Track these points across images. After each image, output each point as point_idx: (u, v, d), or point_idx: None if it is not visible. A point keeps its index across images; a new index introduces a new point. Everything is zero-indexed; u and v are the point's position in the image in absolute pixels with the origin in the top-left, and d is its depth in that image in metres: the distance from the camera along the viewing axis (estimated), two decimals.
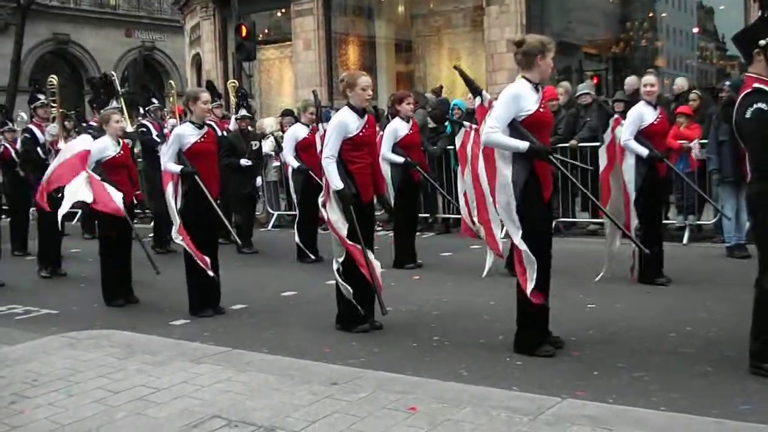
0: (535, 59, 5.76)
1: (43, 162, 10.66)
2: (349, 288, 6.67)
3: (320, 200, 6.82)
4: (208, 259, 7.69)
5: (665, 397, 4.83)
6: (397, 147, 9.65)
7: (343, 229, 6.60)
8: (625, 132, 8.25)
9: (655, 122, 8.36)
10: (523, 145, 5.63)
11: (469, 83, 6.36)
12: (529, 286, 5.69)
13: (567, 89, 12.83)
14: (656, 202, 8.58)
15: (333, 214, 6.64)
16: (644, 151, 8.15)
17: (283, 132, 12.54)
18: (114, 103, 10.60)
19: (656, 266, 8.36)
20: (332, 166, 6.61)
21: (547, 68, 5.83)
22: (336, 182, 6.58)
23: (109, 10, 38.01)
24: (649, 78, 8.61)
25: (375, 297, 6.73)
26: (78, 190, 8.21)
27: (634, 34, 19.06)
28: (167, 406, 4.71)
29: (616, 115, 8.64)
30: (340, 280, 6.72)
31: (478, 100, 6.10)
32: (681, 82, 12.95)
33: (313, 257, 10.50)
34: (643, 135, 8.25)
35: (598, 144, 11.40)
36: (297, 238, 10.58)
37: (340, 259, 6.71)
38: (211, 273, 7.71)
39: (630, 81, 12.30)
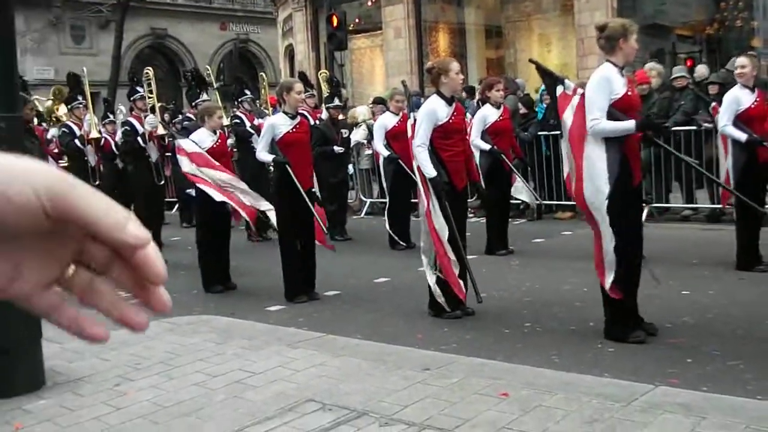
0: (617, 43, 5.71)
1: (144, 151, 10.99)
2: (434, 276, 6.73)
3: (422, 209, 6.81)
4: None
5: (761, 386, 4.76)
6: (486, 134, 9.65)
7: (444, 233, 6.63)
8: (722, 118, 8.05)
9: (753, 105, 8.06)
10: (630, 124, 5.58)
11: (548, 74, 6.28)
12: (608, 281, 5.65)
13: (660, 71, 12.60)
14: (757, 189, 8.36)
15: (436, 220, 6.67)
16: (743, 136, 7.93)
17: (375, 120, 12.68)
18: (204, 96, 10.83)
19: (755, 253, 8.18)
20: (424, 154, 6.66)
21: (631, 51, 5.77)
22: (429, 170, 6.63)
23: (204, 4, 38.75)
24: (741, 60, 8.30)
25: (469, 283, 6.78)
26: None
27: (729, 14, 18.54)
28: (263, 389, 4.85)
29: (713, 103, 8.41)
30: (437, 291, 6.76)
31: (560, 88, 6.03)
32: (702, 70, 12.63)
33: (404, 245, 10.58)
34: (740, 120, 8.00)
35: (693, 128, 11.31)
36: (388, 226, 10.69)
37: (438, 273, 6.75)
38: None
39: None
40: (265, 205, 8.48)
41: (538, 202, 11.46)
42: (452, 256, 6.63)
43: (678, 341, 5.82)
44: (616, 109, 5.65)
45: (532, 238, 10.90)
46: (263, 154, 7.93)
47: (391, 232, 10.64)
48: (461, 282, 6.68)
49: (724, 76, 11.56)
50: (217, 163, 8.57)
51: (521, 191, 10.23)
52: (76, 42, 34.69)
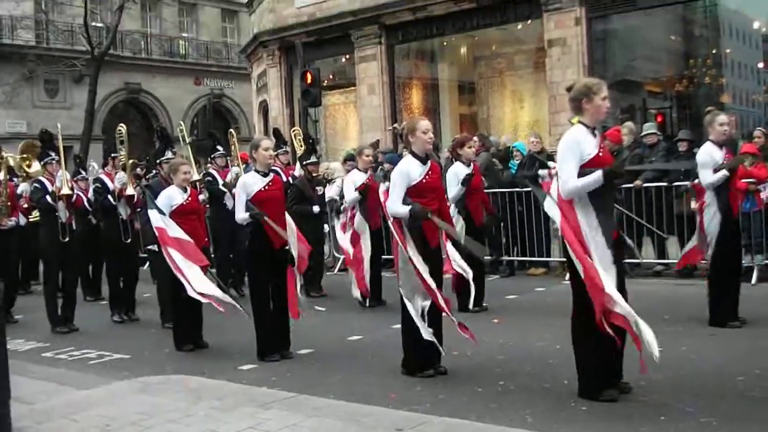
0: (581, 103, 5.80)
1: (114, 209, 10.97)
2: (430, 329, 6.71)
3: (403, 257, 6.79)
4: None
5: None
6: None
7: (424, 268, 6.63)
8: (704, 175, 8.12)
9: (724, 162, 8.22)
10: (597, 175, 5.60)
11: (534, 163, 6.33)
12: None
13: (631, 129, 12.78)
14: (735, 245, 8.47)
15: (414, 255, 6.67)
16: (725, 173, 8.05)
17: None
18: (169, 153, 10.86)
19: (729, 308, 8.22)
20: (396, 206, 6.68)
21: (597, 111, 5.80)
22: (404, 209, 6.64)
23: (178, 59, 39.01)
24: (723, 117, 8.39)
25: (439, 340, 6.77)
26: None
27: (698, 71, 18.87)
28: None
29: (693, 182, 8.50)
30: (421, 324, 6.73)
31: (544, 171, 6.08)
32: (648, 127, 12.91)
33: (372, 303, 10.58)
34: None
35: (663, 184, 11.44)
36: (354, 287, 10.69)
37: (427, 303, 6.75)
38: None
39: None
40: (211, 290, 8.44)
41: (488, 256, 11.36)
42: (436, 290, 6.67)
43: (651, 399, 5.82)
44: (591, 169, 5.68)
45: (505, 294, 10.92)
46: (242, 215, 7.86)
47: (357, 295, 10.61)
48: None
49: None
50: (180, 237, 8.56)
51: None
52: (49, 95, 34.76)
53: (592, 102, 5.77)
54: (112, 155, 11.68)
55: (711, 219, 8.15)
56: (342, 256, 14.65)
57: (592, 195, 5.66)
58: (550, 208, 5.93)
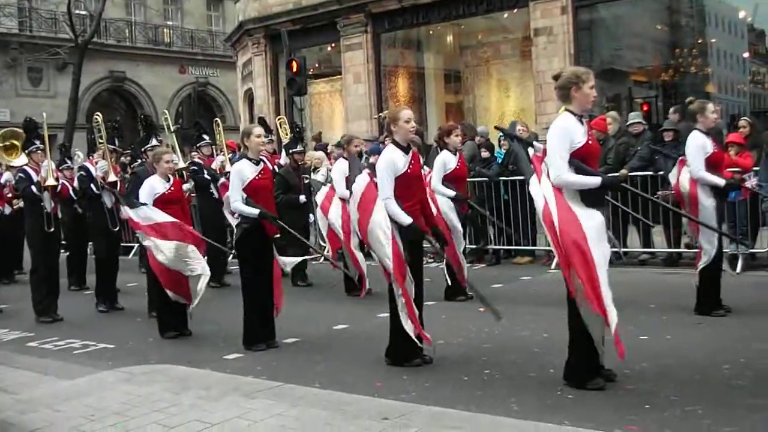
0: (570, 92, 5.81)
1: (99, 197, 10.94)
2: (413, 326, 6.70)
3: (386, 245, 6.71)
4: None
5: (718, 431, 4.79)
6: (445, 180, 9.70)
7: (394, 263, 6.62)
8: (695, 165, 8.02)
9: (715, 151, 8.17)
10: (596, 180, 5.66)
11: (516, 138, 6.30)
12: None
13: (615, 118, 12.79)
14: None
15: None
16: (720, 182, 8.02)
17: (330, 163, 12.74)
18: (154, 141, 10.80)
19: (715, 297, 8.24)
20: (394, 205, 6.63)
21: (585, 99, 5.83)
22: (404, 219, 6.61)
23: (163, 47, 38.86)
24: (712, 105, 8.37)
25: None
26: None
27: (684, 60, 18.92)
28: None
29: (680, 157, 8.39)
30: (404, 318, 6.73)
31: (531, 150, 6.05)
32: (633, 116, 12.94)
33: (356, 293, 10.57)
34: (706, 165, 8.05)
35: (649, 173, 11.46)
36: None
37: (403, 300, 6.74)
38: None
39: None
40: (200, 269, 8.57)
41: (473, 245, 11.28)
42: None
43: (636, 387, 5.84)
44: (578, 158, 5.70)
45: (491, 283, 10.91)
46: (243, 207, 7.77)
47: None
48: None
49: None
50: (167, 220, 8.57)
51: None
52: (33, 84, 34.58)
53: (580, 90, 5.78)
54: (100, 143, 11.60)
55: (705, 207, 8.09)
56: (327, 245, 14.67)
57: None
58: (535, 192, 5.91)
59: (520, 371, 6.47)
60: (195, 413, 5.38)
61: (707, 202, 7.98)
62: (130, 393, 6.01)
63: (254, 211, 7.72)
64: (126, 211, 8.90)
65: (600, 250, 5.58)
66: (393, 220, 6.64)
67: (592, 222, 5.63)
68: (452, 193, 9.66)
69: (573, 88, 5.80)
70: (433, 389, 6.11)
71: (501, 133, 6.06)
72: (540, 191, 5.82)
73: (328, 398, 5.67)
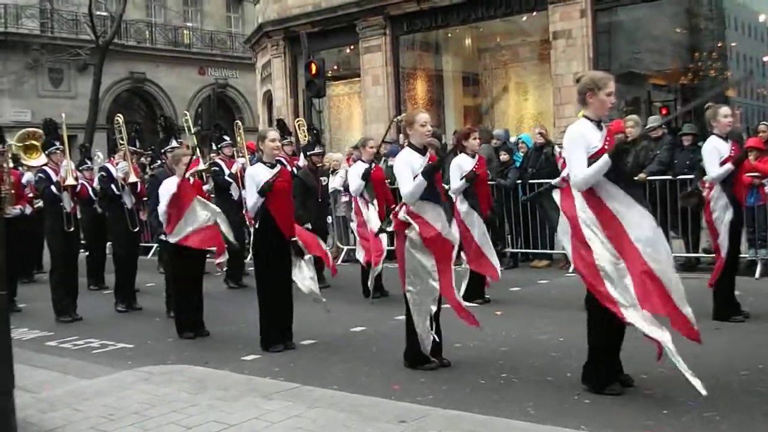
0: (585, 96, 5.80)
1: (119, 198, 11.02)
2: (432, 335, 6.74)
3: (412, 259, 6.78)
4: None
5: None
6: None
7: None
8: (710, 168, 8.12)
9: (731, 154, 8.16)
10: (604, 158, 5.58)
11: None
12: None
13: (637, 122, 12.71)
14: (736, 238, 8.43)
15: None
16: (729, 166, 8.03)
17: (348, 164, 12.77)
18: (174, 143, 10.86)
19: (732, 302, 8.22)
20: (412, 188, 6.65)
21: (600, 105, 5.79)
22: (419, 179, 6.60)
23: (183, 48, 39.00)
24: (726, 109, 8.38)
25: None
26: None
27: (703, 64, 18.80)
28: None
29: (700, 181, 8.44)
30: (425, 331, 6.74)
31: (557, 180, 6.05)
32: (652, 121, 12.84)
33: (378, 294, 10.58)
34: None
35: (668, 177, 11.42)
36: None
37: (434, 308, 6.77)
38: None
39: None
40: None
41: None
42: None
43: (654, 392, 5.84)
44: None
45: (508, 286, 10.90)
46: (254, 205, 7.88)
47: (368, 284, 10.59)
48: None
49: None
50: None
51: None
52: (54, 85, 34.76)
53: (596, 96, 5.77)
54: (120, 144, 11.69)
55: (723, 213, 8.09)
56: (345, 247, 14.72)
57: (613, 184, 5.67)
58: (563, 235, 5.95)
59: (537, 375, 6.47)
60: (213, 414, 5.41)
61: (725, 214, 8.02)
62: (148, 393, 6.05)
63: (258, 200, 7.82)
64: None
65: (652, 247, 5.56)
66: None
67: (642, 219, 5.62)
68: (460, 182, 9.62)
69: (588, 93, 5.79)
70: (450, 392, 6.12)
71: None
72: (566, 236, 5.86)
73: (345, 400, 5.69)
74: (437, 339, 6.76)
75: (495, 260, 9.60)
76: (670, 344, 5.43)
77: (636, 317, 5.50)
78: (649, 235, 5.56)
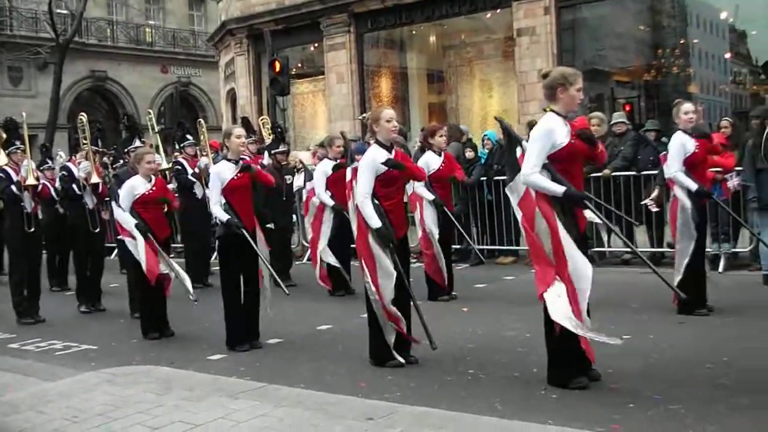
0: (556, 92, 5.81)
1: (81, 198, 10.87)
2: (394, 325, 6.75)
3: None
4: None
5: (701, 430, 4.82)
6: (428, 181, 9.68)
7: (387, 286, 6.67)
8: (672, 164, 8.17)
9: (696, 151, 8.22)
10: (560, 189, 5.65)
11: (509, 135, 6.27)
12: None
13: (603, 119, 12.73)
14: (704, 234, 8.51)
15: (380, 271, 6.70)
16: (693, 186, 8.06)
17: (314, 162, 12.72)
18: (137, 142, 10.75)
19: (698, 296, 8.28)
20: (369, 207, 6.65)
21: (571, 101, 5.83)
22: (374, 222, 6.62)
23: (145, 47, 38.66)
24: (688, 106, 8.43)
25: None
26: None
27: (666, 61, 18.98)
28: None
29: (663, 152, 8.46)
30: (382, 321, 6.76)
31: (518, 150, 6.05)
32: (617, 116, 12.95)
33: (342, 292, 10.59)
34: (685, 165, 8.14)
35: (632, 173, 11.50)
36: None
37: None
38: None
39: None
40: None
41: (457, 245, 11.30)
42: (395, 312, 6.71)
43: (620, 386, 5.86)
44: (562, 158, 5.71)
45: (474, 283, 10.93)
46: (219, 211, 7.79)
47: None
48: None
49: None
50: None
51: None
52: (13, 83, 34.33)
53: (567, 92, 5.79)
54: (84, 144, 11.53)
55: (684, 209, 8.14)
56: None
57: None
58: (511, 192, 5.98)
59: (504, 371, 6.48)
60: (179, 414, 5.36)
61: (686, 203, 8.07)
62: (113, 394, 5.98)
63: (223, 218, 7.73)
64: (117, 212, 8.88)
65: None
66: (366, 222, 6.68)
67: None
68: (431, 196, 9.67)
69: (560, 89, 5.80)
70: (417, 389, 6.11)
71: (499, 124, 6.04)
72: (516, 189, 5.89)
73: (312, 398, 5.66)
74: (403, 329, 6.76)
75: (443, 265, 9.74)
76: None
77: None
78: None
